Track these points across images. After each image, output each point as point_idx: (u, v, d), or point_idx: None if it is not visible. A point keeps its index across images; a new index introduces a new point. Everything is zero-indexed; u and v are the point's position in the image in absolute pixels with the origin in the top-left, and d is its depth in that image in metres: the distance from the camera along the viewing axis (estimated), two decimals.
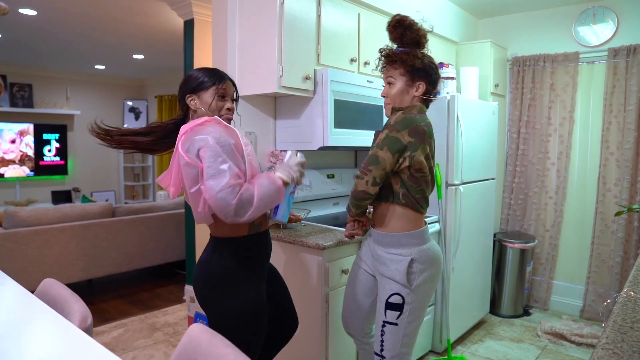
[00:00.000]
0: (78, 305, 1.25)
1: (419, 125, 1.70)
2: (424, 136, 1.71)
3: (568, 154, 3.76)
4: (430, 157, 1.78)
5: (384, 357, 1.78)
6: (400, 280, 1.74)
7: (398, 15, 1.80)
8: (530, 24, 3.94)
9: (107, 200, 6.93)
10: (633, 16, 3.48)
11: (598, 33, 3.63)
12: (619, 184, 3.52)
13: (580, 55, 3.68)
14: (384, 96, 1.84)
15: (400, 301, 1.74)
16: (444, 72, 3.14)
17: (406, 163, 1.70)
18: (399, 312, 1.74)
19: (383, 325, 1.78)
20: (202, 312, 3.26)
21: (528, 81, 3.89)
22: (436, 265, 1.82)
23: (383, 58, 1.83)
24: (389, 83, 1.80)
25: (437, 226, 2.94)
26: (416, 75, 1.75)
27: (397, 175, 1.75)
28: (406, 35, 1.77)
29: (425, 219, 1.88)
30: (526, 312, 3.78)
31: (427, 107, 1.86)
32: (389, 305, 1.75)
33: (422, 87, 1.77)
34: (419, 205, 1.78)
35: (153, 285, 4.50)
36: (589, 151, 3.74)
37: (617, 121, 3.52)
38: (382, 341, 1.78)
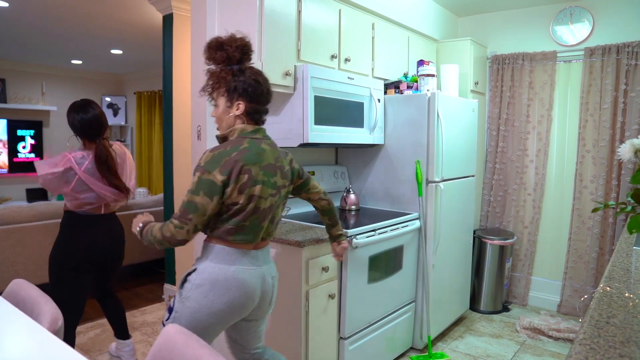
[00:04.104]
0: (48, 306, 1.21)
1: (228, 159, 1.57)
2: (234, 170, 1.57)
3: (546, 152, 3.81)
4: (249, 186, 1.60)
5: None
6: (179, 283, 1.69)
7: (214, 38, 1.66)
8: (509, 23, 3.98)
9: None
10: (608, 16, 3.54)
11: (575, 32, 3.68)
12: (595, 181, 3.58)
13: (558, 54, 3.73)
14: (213, 116, 1.73)
15: (173, 304, 1.68)
16: (423, 70, 3.15)
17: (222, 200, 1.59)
18: (168, 315, 1.68)
19: (162, 322, 1.73)
20: None
21: (507, 79, 3.93)
22: (222, 293, 1.61)
23: (211, 78, 1.69)
24: (214, 105, 1.71)
25: (417, 223, 2.95)
26: (234, 94, 1.63)
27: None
28: (230, 55, 1.63)
29: (256, 244, 1.69)
30: (505, 308, 3.83)
31: (261, 121, 1.72)
32: (168, 306, 1.71)
33: (241, 106, 1.64)
34: (228, 235, 1.62)
35: (132, 284, 4.42)
36: (567, 149, 3.80)
37: (594, 119, 3.58)
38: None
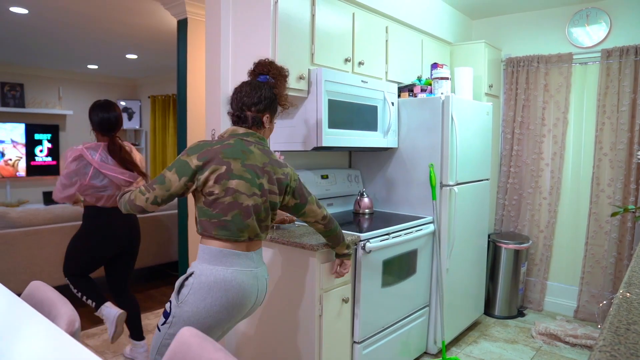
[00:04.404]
0: (65, 308, 1.23)
1: (210, 149, 1.68)
2: (212, 159, 1.66)
3: (562, 155, 3.76)
4: (225, 178, 1.66)
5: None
6: (176, 288, 1.70)
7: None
8: (524, 25, 3.94)
9: None
10: (626, 18, 3.49)
11: (591, 34, 3.64)
12: (613, 185, 3.52)
13: (574, 57, 3.69)
14: None
15: (169, 309, 1.69)
16: (437, 73, 3.13)
17: (194, 186, 1.68)
18: (164, 319, 1.70)
19: (157, 327, 1.76)
20: None
21: (522, 82, 3.89)
22: (219, 294, 1.64)
23: None
24: None
25: (431, 227, 2.93)
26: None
27: (195, 200, 1.74)
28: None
29: (246, 244, 1.73)
30: (520, 313, 3.78)
31: (247, 125, 1.81)
32: (165, 310, 1.73)
33: (229, 113, 1.84)
34: (212, 229, 1.68)
35: (145, 287, 4.46)
36: (583, 152, 3.75)
37: (611, 122, 3.53)
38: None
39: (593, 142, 3.64)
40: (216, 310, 1.64)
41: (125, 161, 2.59)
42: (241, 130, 1.78)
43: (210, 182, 1.65)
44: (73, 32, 4.73)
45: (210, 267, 1.66)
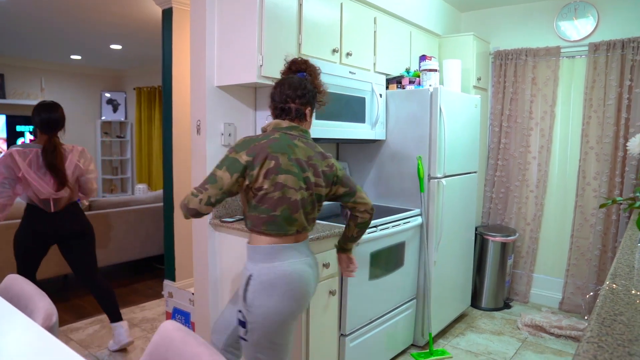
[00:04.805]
0: (43, 302, 1.19)
1: (257, 144, 1.69)
2: (260, 154, 1.66)
3: (549, 148, 3.78)
4: (273, 173, 1.66)
5: None
6: (241, 296, 1.71)
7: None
8: (512, 18, 3.94)
9: None
10: (613, 11, 3.50)
11: (579, 28, 3.64)
12: (598, 178, 3.55)
13: (562, 50, 3.70)
14: None
15: (243, 319, 1.71)
16: (426, 65, 3.12)
17: (246, 182, 1.68)
18: (245, 330, 1.71)
19: (239, 339, 1.79)
20: (181, 307, 3.19)
21: (510, 75, 3.90)
22: (284, 289, 1.67)
23: None
24: None
25: (419, 219, 2.92)
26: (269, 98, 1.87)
27: (244, 196, 1.75)
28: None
29: (295, 237, 1.75)
30: (507, 305, 3.80)
31: (290, 117, 1.81)
32: (238, 321, 1.75)
33: (270, 107, 1.85)
34: (261, 225, 1.69)
35: (131, 280, 4.40)
36: (570, 145, 3.77)
37: (597, 115, 3.55)
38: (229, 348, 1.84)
39: (579, 135, 3.66)
40: (285, 305, 1.67)
41: (52, 165, 2.65)
42: (285, 124, 1.78)
43: (260, 178, 1.65)
44: (55, 21, 4.62)
45: (266, 265, 1.68)
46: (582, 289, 3.65)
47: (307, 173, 1.74)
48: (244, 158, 1.65)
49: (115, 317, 2.93)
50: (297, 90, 1.79)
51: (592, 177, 3.60)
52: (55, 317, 1.11)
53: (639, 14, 3.40)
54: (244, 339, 1.72)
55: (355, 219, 1.92)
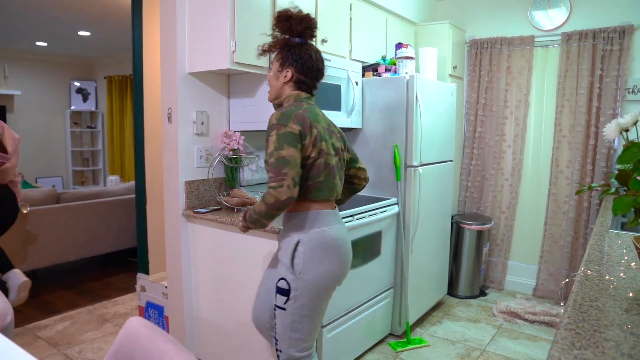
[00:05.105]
0: None
1: (297, 114, 1.68)
2: (305, 123, 1.68)
3: (523, 137, 3.82)
4: (318, 140, 1.70)
5: (277, 341, 1.76)
6: (286, 263, 1.70)
7: (284, 9, 1.78)
8: (488, 7, 3.94)
9: (53, 187, 6.56)
10: (585, 2, 3.53)
11: (552, 18, 3.67)
12: (571, 166, 3.60)
13: (536, 39, 3.72)
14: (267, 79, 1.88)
15: (287, 286, 1.70)
16: (402, 52, 3.09)
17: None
18: (286, 298, 1.70)
19: (274, 309, 1.75)
20: (153, 301, 3.12)
21: (485, 64, 3.90)
22: (332, 253, 1.71)
23: (272, 45, 1.82)
24: (269, 68, 1.87)
25: (395, 208, 2.91)
26: (286, 62, 1.76)
27: None
28: (292, 27, 1.75)
29: (333, 203, 1.80)
30: (482, 293, 3.85)
31: (311, 93, 1.82)
32: (278, 289, 1.73)
33: (289, 74, 1.76)
34: (309, 192, 1.71)
35: (103, 274, 4.29)
36: (543, 134, 3.81)
37: (570, 104, 3.59)
38: (275, 324, 1.77)
39: (553, 124, 3.71)
40: (334, 269, 1.71)
41: None
42: (303, 94, 1.79)
43: (310, 147, 1.67)
44: (17, 4, 4.41)
45: (316, 230, 1.69)
46: (554, 276, 3.72)
47: (333, 139, 1.79)
48: (295, 128, 1.64)
49: (6, 268, 2.96)
50: (324, 66, 1.81)
51: (564, 165, 3.65)
52: (10, 317, 1.04)
53: (610, 4, 3.44)
54: (282, 308, 1.70)
55: (351, 186, 2.00)
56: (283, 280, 1.70)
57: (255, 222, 1.67)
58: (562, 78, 3.59)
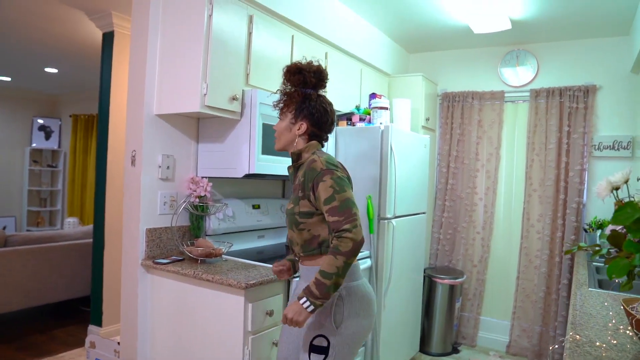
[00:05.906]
0: None
1: (337, 161, 1.72)
2: (345, 170, 1.73)
3: (495, 190, 3.82)
4: (351, 187, 1.73)
5: None
6: (324, 320, 1.59)
7: (294, 63, 1.74)
8: (459, 62, 4.04)
9: (4, 228, 6.15)
10: (552, 61, 3.66)
11: (520, 75, 3.78)
12: (542, 220, 3.60)
13: (506, 95, 3.81)
14: (274, 129, 1.81)
15: (325, 344, 1.59)
16: (376, 102, 3.08)
17: None
18: (324, 356, 1.59)
19: None
20: (101, 358, 2.84)
21: (457, 117, 3.95)
22: (368, 306, 1.68)
23: (284, 96, 1.78)
24: (280, 118, 1.79)
25: (368, 262, 2.80)
26: (300, 113, 1.72)
27: (320, 220, 1.65)
28: (307, 79, 1.72)
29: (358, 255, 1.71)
30: (455, 350, 3.71)
31: (322, 145, 1.82)
32: (314, 348, 1.60)
33: (303, 127, 1.72)
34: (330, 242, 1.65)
35: (50, 326, 3.93)
36: (514, 187, 3.83)
37: (539, 159, 3.64)
38: None
39: (524, 177, 3.74)
40: (369, 323, 1.68)
41: None
42: (319, 145, 1.78)
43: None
44: None
45: (354, 283, 1.66)
46: (527, 332, 3.63)
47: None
48: (343, 174, 1.65)
49: None
50: (332, 126, 1.80)
51: (535, 219, 3.65)
52: None
53: (574, 65, 3.58)
54: None
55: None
56: (322, 337, 1.60)
57: (333, 286, 1.50)
58: (532, 133, 3.66)
